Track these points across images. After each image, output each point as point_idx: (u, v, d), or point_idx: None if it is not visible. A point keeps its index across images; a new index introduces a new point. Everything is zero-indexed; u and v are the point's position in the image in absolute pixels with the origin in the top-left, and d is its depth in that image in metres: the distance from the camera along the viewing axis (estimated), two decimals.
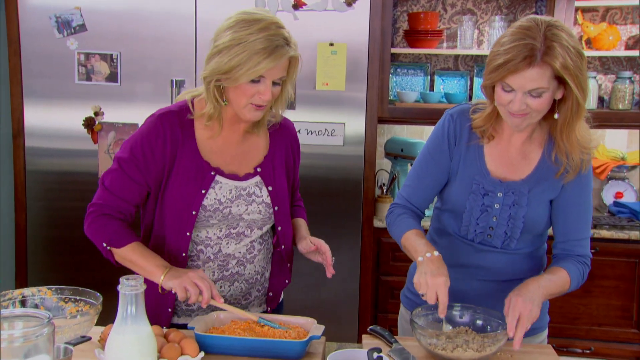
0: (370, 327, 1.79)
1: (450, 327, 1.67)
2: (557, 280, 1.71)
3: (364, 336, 1.79)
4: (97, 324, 1.69)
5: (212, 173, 1.77)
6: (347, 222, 3.09)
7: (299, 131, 2.99)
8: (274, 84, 1.69)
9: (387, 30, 3.11)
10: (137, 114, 3.07)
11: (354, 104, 3.01)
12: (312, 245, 1.83)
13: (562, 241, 1.79)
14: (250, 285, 1.89)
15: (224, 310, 1.70)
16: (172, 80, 3.00)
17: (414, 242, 1.74)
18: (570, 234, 1.78)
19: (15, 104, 3.12)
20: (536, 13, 3.41)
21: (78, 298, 1.73)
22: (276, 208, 1.84)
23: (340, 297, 3.12)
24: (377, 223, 3.12)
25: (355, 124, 3.03)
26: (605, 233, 3.03)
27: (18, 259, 3.22)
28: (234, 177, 1.80)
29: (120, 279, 1.34)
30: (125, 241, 1.74)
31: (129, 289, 1.33)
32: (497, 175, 1.77)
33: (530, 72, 1.57)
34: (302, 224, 1.98)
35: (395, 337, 1.71)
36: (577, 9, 3.23)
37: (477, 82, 3.50)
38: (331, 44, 2.96)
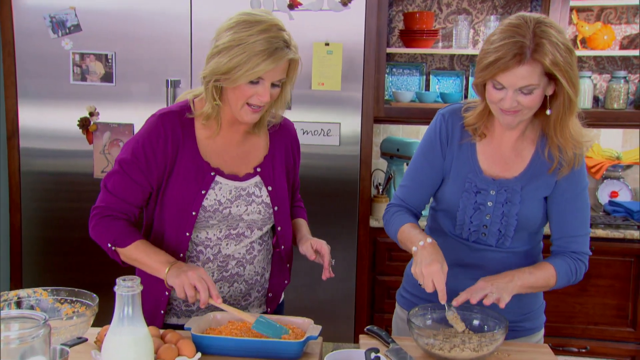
0: (367, 327, 1.79)
1: (454, 312, 1.66)
2: (537, 274, 1.71)
3: (361, 336, 1.79)
4: (94, 325, 1.68)
5: (212, 174, 1.77)
6: (343, 222, 3.09)
7: None
8: (273, 85, 1.68)
9: (382, 30, 3.11)
10: (132, 114, 3.06)
11: (349, 103, 3.01)
12: (312, 254, 1.83)
13: (557, 237, 1.80)
14: (250, 286, 1.88)
15: (223, 310, 1.70)
16: (167, 81, 2.99)
17: (408, 234, 1.75)
18: (565, 230, 1.78)
19: (9, 105, 3.11)
20: (531, 12, 3.41)
21: (74, 299, 1.72)
22: (276, 208, 1.84)
23: (337, 297, 3.12)
24: (373, 223, 3.12)
25: (351, 124, 3.03)
26: (600, 232, 3.03)
27: (13, 260, 3.21)
28: (233, 177, 1.80)
29: (117, 280, 1.33)
30: (129, 240, 1.74)
31: (126, 290, 1.32)
32: (489, 173, 1.78)
33: (521, 70, 1.58)
34: (302, 224, 1.98)
35: (392, 337, 1.71)
36: (572, 9, 3.24)
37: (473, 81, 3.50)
38: (327, 44, 2.96)
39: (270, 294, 1.94)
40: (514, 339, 1.79)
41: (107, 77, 3.05)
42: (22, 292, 1.71)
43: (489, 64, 1.60)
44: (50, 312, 1.69)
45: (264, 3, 2.94)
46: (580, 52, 3.33)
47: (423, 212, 1.96)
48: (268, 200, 1.83)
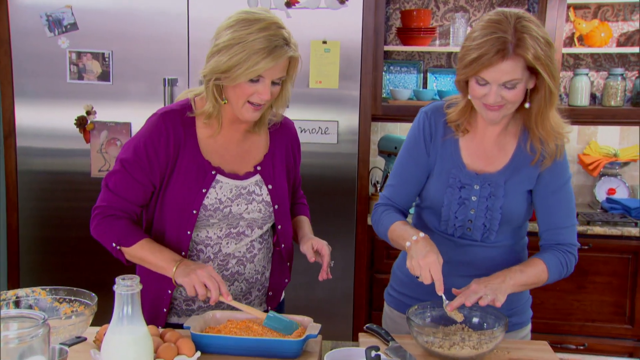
0: (366, 325, 1.79)
1: (448, 302, 1.66)
2: (529, 271, 1.72)
3: (360, 334, 1.79)
4: (92, 324, 1.68)
5: (213, 172, 1.77)
6: (341, 220, 3.09)
7: None
8: (273, 83, 1.68)
9: (380, 27, 3.11)
10: (129, 113, 3.06)
11: (347, 101, 3.01)
12: (312, 256, 1.83)
13: (544, 230, 1.81)
14: (251, 285, 1.88)
15: (224, 309, 1.69)
16: (164, 79, 2.98)
17: (400, 231, 1.75)
18: (551, 222, 1.79)
19: (6, 104, 3.10)
20: (528, 10, 3.42)
21: (73, 298, 1.71)
22: (276, 207, 1.84)
23: (335, 295, 3.12)
24: (371, 221, 3.11)
25: (348, 122, 3.03)
26: (598, 229, 3.04)
27: (10, 259, 3.20)
28: (234, 176, 1.79)
29: (116, 279, 1.33)
30: (134, 239, 1.74)
31: (125, 289, 1.32)
32: (473, 168, 1.79)
33: (504, 65, 1.60)
34: (304, 221, 1.97)
35: (391, 335, 1.71)
36: (569, 6, 3.24)
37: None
38: (324, 42, 2.96)
39: (270, 293, 1.94)
40: None
41: (104, 76, 3.04)
42: (21, 292, 1.71)
43: (472, 60, 1.62)
44: (49, 311, 1.68)
45: (261, 1, 2.94)
46: (577, 49, 3.34)
47: (410, 211, 1.96)
48: (268, 198, 1.83)
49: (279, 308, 2.00)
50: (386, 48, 3.27)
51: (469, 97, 1.72)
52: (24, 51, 3.05)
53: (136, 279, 1.33)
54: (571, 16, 3.31)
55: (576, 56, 3.48)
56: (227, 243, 1.82)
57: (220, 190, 1.77)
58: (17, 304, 1.69)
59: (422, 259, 1.62)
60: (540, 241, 1.83)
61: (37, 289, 1.72)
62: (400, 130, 3.56)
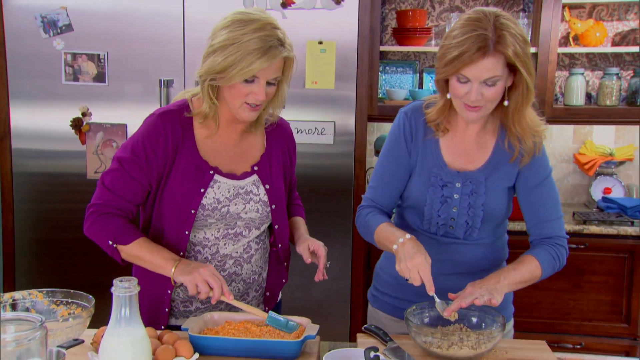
0: (365, 325, 1.79)
1: (439, 301, 1.66)
2: (522, 269, 1.74)
3: (358, 335, 1.79)
4: (90, 326, 1.67)
5: (211, 172, 1.77)
6: (337, 220, 3.08)
7: None
8: (269, 84, 1.68)
9: (375, 28, 3.11)
10: (125, 115, 3.05)
11: (343, 102, 3.01)
12: (308, 257, 1.83)
13: (533, 225, 1.83)
14: (248, 286, 1.88)
15: (222, 310, 1.69)
16: (160, 80, 2.98)
17: (386, 234, 1.76)
18: (538, 217, 1.81)
19: (1, 106, 3.08)
20: (523, 10, 3.42)
21: (70, 301, 1.71)
22: (273, 206, 1.84)
23: (332, 296, 3.12)
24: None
25: (345, 122, 3.03)
26: (594, 229, 3.04)
27: (6, 261, 3.19)
28: (232, 176, 1.80)
29: (114, 281, 1.32)
30: (131, 238, 1.73)
31: (123, 291, 1.31)
32: (454, 167, 1.80)
33: (485, 62, 1.62)
34: (300, 222, 1.98)
35: (389, 335, 1.71)
36: (564, 6, 3.25)
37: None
38: (320, 43, 2.95)
39: (267, 293, 1.94)
40: None
41: (100, 77, 3.03)
42: (17, 294, 1.70)
43: (453, 58, 1.63)
44: (46, 314, 1.67)
45: (257, 2, 2.93)
46: (572, 49, 3.34)
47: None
48: (266, 198, 1.83)
49: (277, 308, 2.00)
50: (382, 48, 3.27)
51: (448, 97, 1.74)
52: (19, 52, 3.04)
53: (134, 280, 1.33)
54: (566, 16, 3.31)
55: (571, 56, 3.49)
56: (225, 244, 1.82)
57: (219, 190, 1.77)
58: (13, 306, 1.68)
59: (409, 261, 1.62)
60: (529, 237, 1.85)
61: (34, 291, 1.71)
62: None
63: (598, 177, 3.46)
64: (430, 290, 1.62)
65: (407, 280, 1.64)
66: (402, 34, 3.33)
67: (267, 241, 1.92)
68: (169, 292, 1.79)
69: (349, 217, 3.08)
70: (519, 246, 1.85)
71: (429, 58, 3.57)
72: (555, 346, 3.04)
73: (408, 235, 1.68)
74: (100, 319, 1.68)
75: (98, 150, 3.08)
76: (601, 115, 3.32)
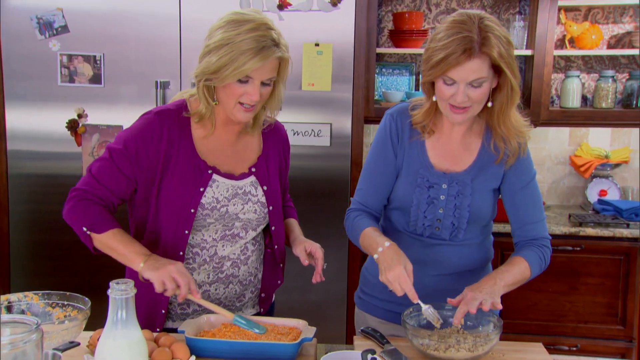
0: (361, 328, 1.79)
1: (425, 307, 1.65)
2: (514, 270, 1.75)
3: (355, 337, 1.79)
4: (86, 329, 1.66)
5: (209, 172, 1.77)
6: (334, 222, 3.08)
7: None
8: (263, 84, 1.68)
9: (372, 30, 3.11)
10: (121, 116, 3.04)
11: (340, 104, 3.01)
12: (305, 259, 1.84)
13: (518, 227, 1.85)
14: (244, 287, 1.88)
15: (216, 312, 1.69)
16: (156, 82, 2.97)
17: (369, 240, 1.77)
18: (523, 219, 1.83)
19: None
20: (519, 12, 3.43)
21: (66, 303, 1.70)
22: (271, 208, 1.84)
23: (328, 298, 3.12)
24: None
25: (341, 124, 3.03)
26: (590, 231, 3.05)
27: (1, 264, 3.17)
28: (230, 176, 1.80)
29: (110, 283, 1.32)
30: (106, 227, 1.71)
31: (119, 293, 1.31)
32: (440, 168, 1.82)
33: (471, 64, 1.63)
34: (294, 224, 1.98)
35: (386, 338, 1.71)
36: (560, 8, 3.26)
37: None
38: (317, 44, 2.95)
39: (263, 294, 1.93)
40: None
41: (96, 79, 3.02)
42: (13, 297, 1.69)
43: (439, 60, 1.64)
44: (41, 316, 1.66)
45: (253, 3, 2.93)
46: (568, 51, 3.35)
47: None
48: (264, 199, 1.83)
49: (270, 310, 2.00)
50: (378, 50, 3.27)
51: (434, 99, 1.75)
52: (15, 54, 3.03)
53: (130, 283, 1.32)
54: (562, 18, 3.32)
55: (567, 58, 3.50)
56: (223, 245, 1.81)
57: (217, 190, 1.77)
58: (9, 309, 1.67)
59: (389, 272, 1.63)
60: (514, 239, 1.87)
61: (30, 293, 1.70)
62: None
63: (594, 180, 3.47)
64: (414, 299, 1.63)
65: (390, 291, 1.65)
66: (399, 36, 3.33)
67: (262, 242, 1.93)
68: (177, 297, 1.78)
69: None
70: (510, 248, 1.86)
71: None
72: (551, 348, 3.05)
73: (387, 243, 1.69)
74: (96, 321, 1.67)
75: (94, 151, 3.07)
76: (597, 118, 3.33)
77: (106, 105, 3.04)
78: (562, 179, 3.61)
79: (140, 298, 1.56)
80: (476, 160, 1.82)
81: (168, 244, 1.76)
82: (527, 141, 1.82)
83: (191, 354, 1.54)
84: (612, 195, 3.43)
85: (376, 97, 3.44)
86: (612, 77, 3.37)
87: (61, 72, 3.03)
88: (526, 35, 3.31)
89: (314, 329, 1.65)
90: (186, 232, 1.75)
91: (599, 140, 3.54)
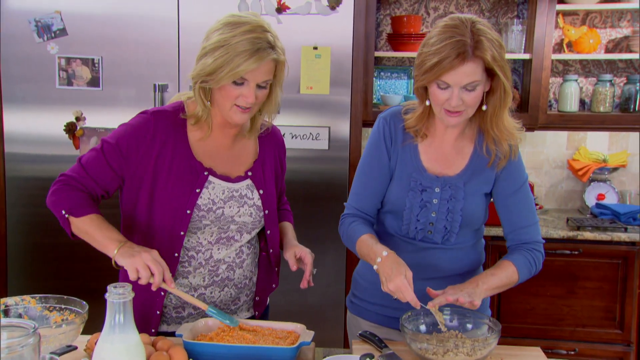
0: (360, 332, 1.79)
1: (431, 309, 1.67)
2: (500, 274, 1.76)
3: (353, 341, 1.79)
4: (83, 332, 1.66)
5: (206, 173, 1.77)
6: (332, 225, 3.06)
7: (283, 135, 2.99)
8: (259, 87, 1.68)
9: (370, 33, 3.12)
10: (119, 119, 2.98)
11: (338, 107, 3.01)
12: (294, 265, 1.84)
13: (510, 231, 1.86)
14: (240, 290, 1.88)
15: (211, 314, 1.68)
16: (155, 85, 2.97)
17: (367, 249, 1.77)
18: (515, 222, 1.84)
19: None
20: (518, 17, 3.43)
21: (63, 307, 1.69)
22: (266, 212, 1.84)
23: (326, 301, 3.11)
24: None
25: (339, 128, 3.03)
26: (588, 235, 3.05)
27: None
28: (226, 178, 1.80)
29: (108, 287, 1.31)
30: (85, 211, 1.71)
31: (117, 297, 1.30)
32: (433, 172, 1.82)
33: (465, 68, 1.64)
34: (289, 227, 1.98)
35: (384, 342, 1.71)
36: (558, 13, 3.26)
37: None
38: (315, 48, 2.96)
39: (257, 298, 1.93)
40: None
41: (94, 82, 3.02)
42: (10, 300, 1.68)
43: (433, 65, 1.65)
44: (38, 320, 1.66)
45: (252, 6, 2.93)
46: (566, 55, 3.36)
47: None
48: (259, 203, 1.83)
49: (265, 313, 2.00)
50: (377, 54, 3.28)
51: (427, 103, 1.75)
52: (13, 56, 3.03)
53: (128, 286, 1.32)
54: (560, 23, 3.33)
55: (565, 62, 3.51)
56: (218, 249, 1.81)
57: (213, 191, 1.77)
58: (6, 312, 1.66)
59: (390, 283, 1.63)
60: (507, 243, 1.88)
61: (27, 297, 1.70)
62: None
63: (592, 183, 3.47)
64: (416, 306, 1.64)
65: (395, 298, 1.66)
66: (397, 40, 3.33)
67: (257, 246, 1.93)
68: (162, 294, 1.78)
69: None
70: (493, 250, 1.88)
71: None
72: (549, 352, 3.05)
73: (385, 252, 1.69)
74: (94, 325, 1.67)
75: None
76: (595, 122, 3.34)
77: (104, 108, 3.04)
78: (560, 182, 3.62)
79: (135, 299, 1.55)
80: (469, 164, 1.82)
81: (163, 245, 1.76)
82: (518, 144, 1.83)
83: (189, 358, 1.53)
84: (610, 199, 3.43)
85: (374, 101, 3.44)
86: (610, 81, 3.37)
87: (59, 75, 3.02)
88: (524, 39, 3.32)
89: (312, 332, 1.65)
90: (182, 233, 1.75)
91: (597, 144, 3.54)
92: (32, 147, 3.09)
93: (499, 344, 1.67)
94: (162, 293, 1.78)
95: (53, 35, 3.00)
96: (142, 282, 1.60)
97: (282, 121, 2.97)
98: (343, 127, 3.03)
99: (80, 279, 3.07)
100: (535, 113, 3.25)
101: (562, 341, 3.12)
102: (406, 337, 1.64)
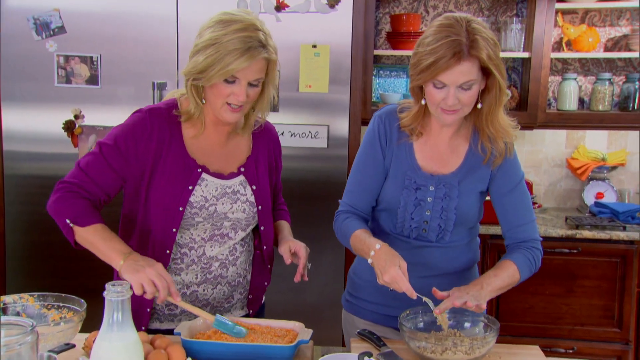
0: (358, 330, 1.79)
1: (430, 301, 1.67)
2: (502, 274, 1.76)
3: (351, 339, 1.79)
4: (82, 330, 1.66)
5: (199, 170, 1.77)
6: (331, 224, 3.06)
7: (282, 133, 2.99)
8: (251, 85, 1.68)
9: (369, 32, 3.11)
10: (118, 117, 2.98)
11: (337, 105, 3.01)
12: (288, 258, 1.84)
13: (508, 229, 1.86)
14: (233, 288, 1.88)
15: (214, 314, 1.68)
16: (153, 83, 2.97)
17: (360, 243, 1.77)
18: (513, 221, 1.84)
19: None
20: (517, 15, 3.43)
21: (61, 305, 1.69)
22: (260, 207, 1.85)
23: (324, 300, 3.11)
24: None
25: (338, 126, 3.02)
26: (586, 233, 3.05)
27: None
28: (219, 175, 1.80)
29: (106, 285, 1.31)
30: (90, 221, 1.70)
31: (115, 295, 1.30)
32: (427, 170, 1.83)
33: (461, 67, 1.64)
34: (285, 225, 1.98)
35: (383, 340, 1.71)
36: (557, 11, 3.26)
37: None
38: (314, 46, 2.95)
39: (251, 296, 1.93)
40: None
41: (93, 80, 3.02)
42: (8, 298, 1.68)
43: (429, 65, 1.65)
44: (37, 318, 1.66)
45: (250, 4, 2.93)
46: (565, 54, 3.36)
47: None
48: (252, 199, 1.83)
49: (260, 312, 2.00)
50: (376, 52, 3.27)
51: (423, 103, 1.75)
52: (11, 54, 3.02)
53: (126, 285, 1.32)
54: (559, 21, 3.32)
55: (564, 61, 3.50)
56: (211, 246, 1.81)
57: (206, 188, 1.77)
58: (4, 311, 1.66)
59: (385, 275, 1.63)
60: (505, 241, 1.88)
61: (25, 295, 1.70)
62: None
63: (590, 182, 3.47)
64: (413, 296, 1.63)
65: (391, 290, 1.65)
66: (396, 38, 3.33)
67: (251, 244, 1.93)
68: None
69: None
70: (487, 248, 1.88)
71: None
72: (548, 351, 3.05)
73: (378, 245, 1.69)
74: (92, 323, 1.67)
75: None
76: (594, 120, 3.33)
77: (103, 106, 3.04)
78: (559, 181, 3.62)
79: None
80: (463, 163, 1.83)
81: (157, 242, 1.76)
82: (513, 141, 1.83)
83: (187, 356, 1.53)
84: (609, 198, 3.43)
85: (373, 99, 3.44)
86: (609, 79, 3.37)
87: (58, 73, 3.02)
88: (523, 37, 3.31)
89: (310, 331, 1.65)
90: (174, 230, 1.75)
91: (596, 143, 3.54)
92: (31, 145, 3.08)
93: (497, 342, 1.67)
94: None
95: (52, 33, 3.00)
96: (148, 297, 1.60)
97: (281, 119, 2.97)
98: (342, 126, 3.02)
99: (78, 277, 3.06)
100: (534, 112, 3.25)
101: (561, 340, 3.13)
102: (404, 336, 1.64)
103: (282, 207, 2.06)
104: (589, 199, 3.46)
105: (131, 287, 1.36)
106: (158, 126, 1.74)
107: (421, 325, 1.72)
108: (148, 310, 1.80)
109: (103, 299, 1.31)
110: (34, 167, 3.10)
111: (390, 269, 1.62)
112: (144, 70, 3.00)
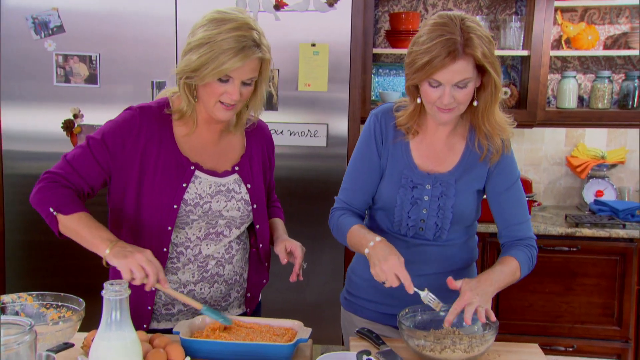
0: (357, 329, 1.79)
1: (427, 293, 1.66)
2: (507, 271, 1.76)
3: (351, 338, 1.79)
4: (80, 330, 1.66)
5: (192, 168, 1.77)
6: None
7: (281, 132, 2.99)
8: (244, 84, 1.68)
9: (368, 30, 3.11)
10: None
11: (336, 104, 3.01)
12: (284, 258, 1.84)
13: (504, 228, 1.86)
14: (230, 287, 1.88)
15: (211, 313, 1.68)
16: (152, 82, 2.97)
17: (357, 237, 1.77)
18: (509, 219, 1.85)
19: None
20: (516, 13, 3.43)
21: (60, 304, 1.69)
22: (255, 206, 1.85)
23: (323, 298, 3.11)
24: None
25: (338, 125, 3.02)
26: (586, 231, 3.05)
27: None
28: (213, 173, 1.80)
29: (104, 284, 1.31)
30: (74, 209, 1.69)
31: (114, 294, 1.30)
32: (424, 169, 1.83)
33: (456, 66, 1.64)
34: (279, 223, 1.99)
35: (382, 338, 1.71)
36: (556, 9, 3.26)
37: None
38: (313, 45, 2.95)
39: (249, 294, 1.93)
40: None
41: (92, 79, 3.02)
42: (6, 298, 1.68)
43: (424, 64, 1.65)
44: (35, 317, 1.66)
45: (249, 3, 2.93)
46: (564, 52, 3.35)
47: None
48: (247, 197, 1.83)
49: (257, 310, 2.00)
50: (375, 51, 3.27)
51: (419, 101, 1.76)
52: (10, 54, 3.02)
53: (125, 284, 1.32)
54: (558, 19, 3.32)
55: (564, 59, 3.50)
56: (207, 244, 1.81)
57: (200, 186, 1.77)
58: (3, 310, 1.66)
59: (384, 263, 1.63)
60: (501, 240, 1.89)
61: (24, 294, 1.70)
62: None
63: (590, 180, 3.47)
64: (410, 289, 1.63)
65: (383, 283, 1.64)
66: (395, 37, 3.33)
67: (247, 242, 1.93)
68: (153, 289, 1.77)
69: None
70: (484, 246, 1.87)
71: None
72: (548, 349, 3.05)
73: (378, 238, 1.70)
74: (90, 322, 1.67)
75: None
76: (593, 118, 3.33)
77: (102, 106, 3.03)
78: (559, 179, 3.61)
79: None
80: (460, 161, 1.83)
81: (152, 241, 1.75)
82: (510, 138, 1.83)
83: (186, 355, 1.53)
84: (609, 196, 3.43)
85: (373, 98, 3.44)
86: (609, 77, 3.37)
87: (57, 72, 3.02)
88: (522, 35, 3.31)
89: (309, 329, 1.65)
90: (169, 228, 1.75)
91: (595, 141, 3.54)
92: (30, 144, 3.08)
93: (496, 340, 1.67)
94: (153, 288, 1.78)
95: (50, 32, 3.00)
96: (136, 282, 1.59)
97: (280, 118, 2.97)
98: (341, 124, 3.02)
99: (77, 277, 3.06)
100: (533, 110, 3.25)
101: (561, 338, 3.13)
102: (403, 334, 1.63)
103: (276, 204, 2.06)
104: (589, 197, 3.46)
105: (130, 287, 1.35)
106: (147, 124, 1.74)
107: (420, 323, 1.72)
108: (149, 308, 1.80)
109: (102, 298, 1.31)
110: (33, 166, 3.09)
111: (391, 258, 1.62)
112: (143, 69, 3.00)
